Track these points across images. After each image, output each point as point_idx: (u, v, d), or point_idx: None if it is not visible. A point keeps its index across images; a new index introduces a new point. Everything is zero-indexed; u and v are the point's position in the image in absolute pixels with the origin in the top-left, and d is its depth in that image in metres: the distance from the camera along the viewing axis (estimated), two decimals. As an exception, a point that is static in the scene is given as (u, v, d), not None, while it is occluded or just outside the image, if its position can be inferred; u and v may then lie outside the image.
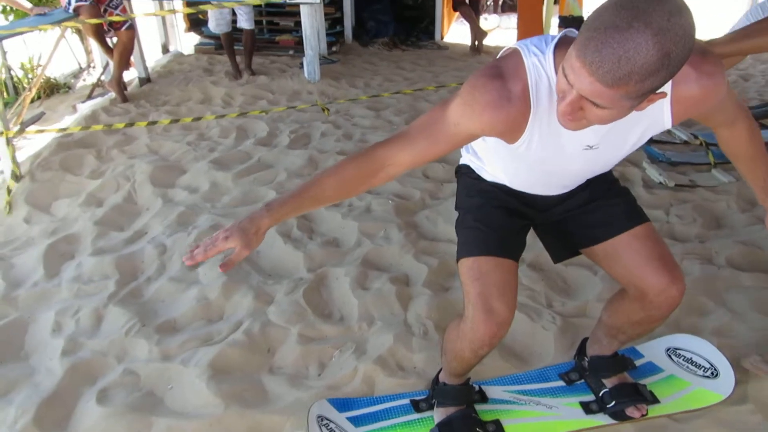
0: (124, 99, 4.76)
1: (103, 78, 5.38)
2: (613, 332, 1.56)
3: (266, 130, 4.05)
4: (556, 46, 1.08)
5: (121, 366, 1.94)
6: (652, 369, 1.80)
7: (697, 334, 1.89)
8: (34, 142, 4.12)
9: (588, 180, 1.40)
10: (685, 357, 1.80)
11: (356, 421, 1.69)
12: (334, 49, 6.46)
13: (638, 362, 1.79)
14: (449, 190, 3.06)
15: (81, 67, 6.59)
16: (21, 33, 3.97)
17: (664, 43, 0.84)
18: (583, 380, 1.75)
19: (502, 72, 1.09)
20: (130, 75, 5.36)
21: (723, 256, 2.41)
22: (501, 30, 8.27)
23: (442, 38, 7.39)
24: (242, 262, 2.46)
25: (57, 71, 6.17)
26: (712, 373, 1.72)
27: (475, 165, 1.48)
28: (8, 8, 5.62)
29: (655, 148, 3.42)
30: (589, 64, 0.87)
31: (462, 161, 1.54)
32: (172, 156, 3.65)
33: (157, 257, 2.53)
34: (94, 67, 6.46)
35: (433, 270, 2.36)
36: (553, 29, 5.86)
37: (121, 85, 4.81)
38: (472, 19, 6.64)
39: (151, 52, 6.12)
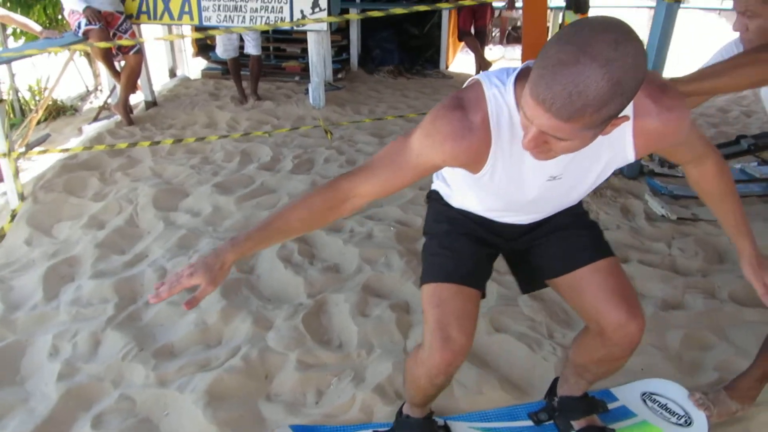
0: (130, 122, 4.81)
1: (109, 101, 5.44)
2: (579, 370, 1.55)
3: (270, 154, 4.08)
4: (517, 78, 1.09)
5: (117, 391, 1.91)
6: (624, 413, 1.76)
7: (700, 369, 1.87)
8: (39, 164, 4.15)
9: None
10: (660, 403, 1.77)
11: None
12: (339, 76, 6.54)
13: (612, 405, 1.75)
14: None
15: (88, 90, 6.67)
16: (30, 55, 4.03)
17: (613, 72, 0.84)
18: (552, 421, 1.71)
19: (462, 103, 1.11)
20: (137, 98, 5.42)
21: (726, 291, 2.39)
22: (505, 61, 8.38)
23: (447, 67, 7.48)
24: (242, 287, 2.47)
25: (64, 93, 6.25)
26: (685, 422, 1.69)
27: (444, 192, 1.48)
28: (19, 31, 5.71)
29: (657, 181, 3.43)
30: (542, 101, 0.89)
31: (433, 187, 1.54)
32: (176, 179, 3.67)
33: (157, 281, 2.52)
34: (101, 90, 6.54)
35: (433, 298, 2.34)
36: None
37: (127, 108, 4.86)
38: (477, 49, 6.73)
39: (158, 76, 6.20)
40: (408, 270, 2.55)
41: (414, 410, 1.61)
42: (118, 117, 4.93)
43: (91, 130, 4.87)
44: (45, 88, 6.09)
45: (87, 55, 6.31)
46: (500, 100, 1.10)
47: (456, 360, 1.33)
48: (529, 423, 1.74)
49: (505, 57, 8.65)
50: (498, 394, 1.85)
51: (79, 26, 4.31)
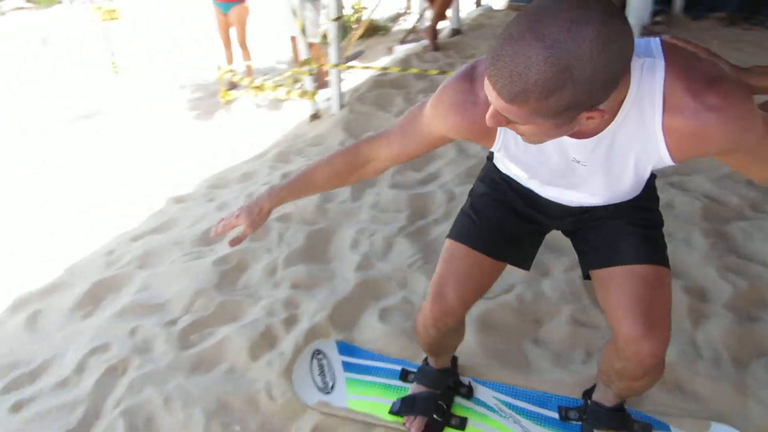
0: (436, 47, 5.04)
1: (417, 25, 5.76)
2: (604, 378, 1.42)
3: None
4: None
5: (401, 293, 2.12)
6: None
7: None
8: (354, 77, 4.64)
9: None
10: None
11: (348, 366, 1.79)
12: (658, 18, 5.83)
13: None
14: (777, 204, 2.58)
15: (399, 12, 7.16)
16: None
17: (558, 57, 0.74)
18: (579, 422, 1.58)
19: (473, 74, 1.04)
20: (443, 25, 5.63)
21: None
22: None
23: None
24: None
25: (378, 14, 6.80)
26: None
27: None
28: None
29: None
30: (489, 76, 0.82)
31: None
32: (470, 109, 3.76)
33: (445, 203, 2.67)
34: (410, 14, 6.96)
35: (741, 292, 2.03)
36: None
37: (434, 34, 5.09)
38: None
39: (464, 5, 6.33)
40: (712, 254, 2.23)
41: (431, 360, 1.62)
42: (424, 41, 5.20)
43: (400, 51, 5.24)
44: (365, 8, 6.71)
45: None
46: None
47: (445, 318, 1.33)
48: (555, 415, 1.62)
49: None
50: None
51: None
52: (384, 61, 5.11)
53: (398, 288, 2.16)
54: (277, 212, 2.68)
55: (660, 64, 0.92)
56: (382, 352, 1.86)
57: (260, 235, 2.52)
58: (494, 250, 1.35)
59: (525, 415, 1.63)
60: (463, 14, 6.12)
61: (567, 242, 2.38)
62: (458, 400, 1.66)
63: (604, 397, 1.49)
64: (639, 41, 0.96)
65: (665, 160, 1.00)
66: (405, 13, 7.12)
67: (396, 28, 6.70)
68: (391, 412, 1.61)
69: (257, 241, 2.47)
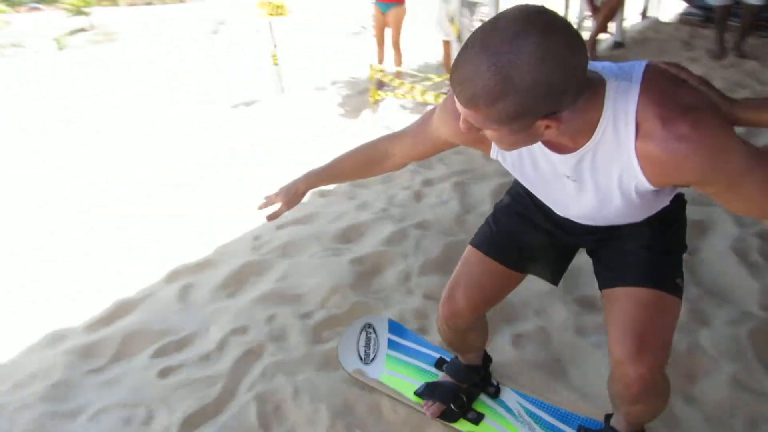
0: (593, 59, 4.76)
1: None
2: (612, 401, 1.35)
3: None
4: None
5: (537, 320, 2.02)
6: None
7: None
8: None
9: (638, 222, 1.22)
10: None
11: (392, 345, 1.89)
12: None
13: None
14: None
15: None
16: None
17: (501, 66, 0.80)
18: None
19: None
20: (603, 36, 5.31)
21: None
22: None
23: None
24: (685, 269, 2.23)
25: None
26: None
27: None
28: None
29: None
30: (451, 81, 0.88)
31: None
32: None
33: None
34: (567, 23, 6.66)
35: None
36: None
37: (593, 46, 4.82)
38: None
39: (629, 17, 5.92)
40: None
41: (459, 356, 1.68)
42: (582, 53, 4.94)
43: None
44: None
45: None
46: None
47: (453, 318, 1.42)
48: None
49: None
50: None
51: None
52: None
53: (534, 315, 2.05)
54: (415, 219, 2.69)
55: (634, 88, 0.92)
56: (513, 379, 1.78)
57: (398, 240, 2.52)
58: (508, 260, 1.39)
59: (542, 426, 1.62)
60: (627, 26, 5.73)
61: (731, 290, 2.16)
62: (483, 397, 1.71)
63: (617, 422, 1.46)
64: (624, 64, 0.97)
65: (644, 183, 0.99)
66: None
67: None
68: (416, 393, 1.71)
69: (394, 245, 2.49)
